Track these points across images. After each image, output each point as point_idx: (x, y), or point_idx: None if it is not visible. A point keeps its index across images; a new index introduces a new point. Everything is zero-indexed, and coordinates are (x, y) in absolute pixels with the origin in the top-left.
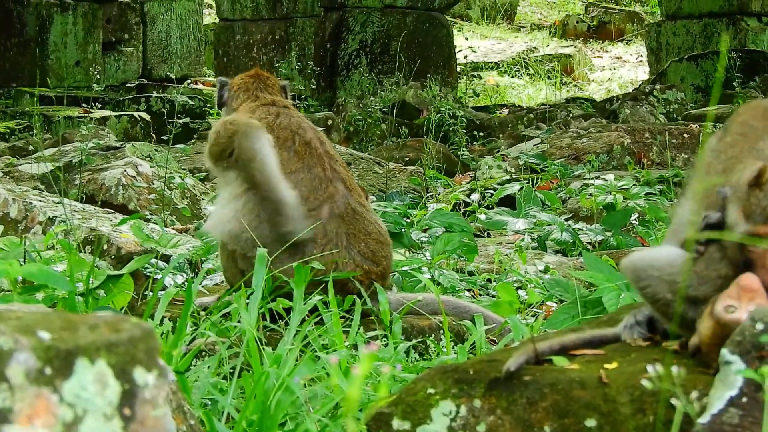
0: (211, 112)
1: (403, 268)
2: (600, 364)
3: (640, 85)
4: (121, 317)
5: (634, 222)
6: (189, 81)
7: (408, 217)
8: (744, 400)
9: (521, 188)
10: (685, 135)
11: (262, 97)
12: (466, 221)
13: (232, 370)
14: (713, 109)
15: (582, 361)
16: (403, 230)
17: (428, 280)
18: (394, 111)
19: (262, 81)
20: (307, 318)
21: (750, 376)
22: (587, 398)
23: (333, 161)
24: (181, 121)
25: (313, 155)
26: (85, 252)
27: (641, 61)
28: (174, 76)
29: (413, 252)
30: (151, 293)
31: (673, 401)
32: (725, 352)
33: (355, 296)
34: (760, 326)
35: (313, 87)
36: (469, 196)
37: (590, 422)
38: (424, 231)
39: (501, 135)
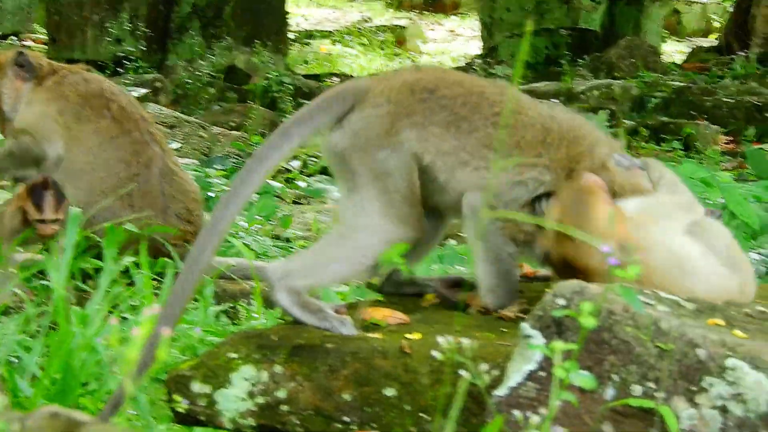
0: None
1: None
2: (402, 334)
3: (471, 60)
4: None
5: None
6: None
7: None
8: (542, 374)
9: None
10: None
11: (61, 67)
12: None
13: (39, 329)
14: (542, 85)
15: (386, 330)
16: (212, 195)
17: (242, 245)
18: (224, 76)
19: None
20: (118, 279)
21: (547, 352)
22: (388, 368)
23: (148, 124)
24: None
25: (130, 119)
26: None
27: (476, 35)
28: (1, 33)
29: None
30: None
31: (462, 373)
32: (525, 326)
33: (167, 259)
34: (561, 301)
35: (144, 48)
36: (290, 162)
37: (390, 391)
38: None
39: None
